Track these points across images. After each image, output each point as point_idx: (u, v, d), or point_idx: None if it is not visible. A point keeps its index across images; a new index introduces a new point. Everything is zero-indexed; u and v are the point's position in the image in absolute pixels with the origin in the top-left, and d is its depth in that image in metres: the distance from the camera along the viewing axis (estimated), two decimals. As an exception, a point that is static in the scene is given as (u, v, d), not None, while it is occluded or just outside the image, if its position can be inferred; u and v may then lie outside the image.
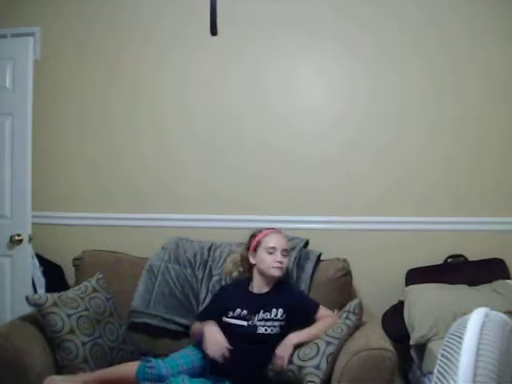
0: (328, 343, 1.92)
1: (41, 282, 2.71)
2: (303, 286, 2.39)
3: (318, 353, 1.91)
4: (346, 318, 2.00)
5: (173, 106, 2.91)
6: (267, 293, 2.18)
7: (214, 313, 2.18)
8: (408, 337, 2.29)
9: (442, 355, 1.11)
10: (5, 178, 2.68)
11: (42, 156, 2.91)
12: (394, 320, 2.45)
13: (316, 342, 1.96)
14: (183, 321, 2.38)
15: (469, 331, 1.04)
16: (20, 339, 1.99)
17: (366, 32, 2.78)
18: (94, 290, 2.32)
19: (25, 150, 2.66)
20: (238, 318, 2.11)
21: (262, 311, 2.10)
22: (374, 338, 1.92)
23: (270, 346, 2.02)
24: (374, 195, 2.77)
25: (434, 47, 2.74)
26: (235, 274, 2.31)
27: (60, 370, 2.05)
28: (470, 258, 2.65)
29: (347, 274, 2.47)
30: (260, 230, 2.27)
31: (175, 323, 2.38)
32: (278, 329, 2.08)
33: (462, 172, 2.73)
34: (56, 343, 2.06)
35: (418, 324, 2.24)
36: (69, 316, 2.11)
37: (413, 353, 2.35)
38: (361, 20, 2.78)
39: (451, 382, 1.03)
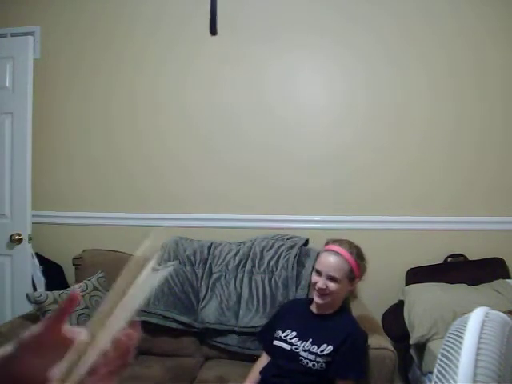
0: None
1: (41, 281, 2.70)
2: (303, 283, 2.39)
3: None
4: None
5: (173, 105, 2.91)
6: (330, 316, 1.88)
7: (267, 334, 2.02)
8: (408, 336, 2.29)
9: (442, 354, 1.11)
10: (5, 177, 2.68)
11: (42, 156, 2.91)
12: (394, 319, 2.45)
13: None
14: (183, 318, 2.38)
15: (469, 330, 1.04)
16: (20, 338, 1.99)
17: (366, 32, 2.78)
18: (95, 289, 2.32)
19: (25, 150, 2.65)
20: (285, 340, 1.87)
21: (310, 340, 1.81)
22: (374, 337, 1.92)
23: (313, 380, 1.78)
24: (374, 195, 2.77)
25: (433, 47, 2.74)
26: None
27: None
28: (470, 258, 2.65)
29: (347, 273, 2.47)
30: (328, 242, 1.94)
31: (175, 321, 2.38)
32: (322, 365, 1.76)
33: (461, 172, 2.73)
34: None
35: (418, 323, 2.24)
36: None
37: (413, 352, 2.35)
38: (361, 20, 2.78)
39: (451, 381, 1.03)
